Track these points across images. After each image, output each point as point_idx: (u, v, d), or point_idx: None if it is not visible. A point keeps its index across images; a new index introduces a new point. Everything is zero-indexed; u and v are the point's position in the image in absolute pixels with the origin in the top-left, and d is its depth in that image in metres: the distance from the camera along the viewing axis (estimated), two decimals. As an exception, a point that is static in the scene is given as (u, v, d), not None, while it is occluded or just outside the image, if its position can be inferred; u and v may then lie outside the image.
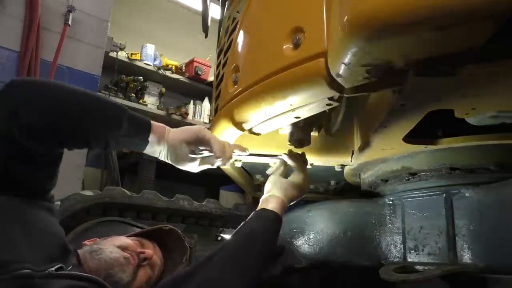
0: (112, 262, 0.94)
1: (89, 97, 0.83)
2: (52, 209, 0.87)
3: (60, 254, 0.81)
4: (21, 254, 0.72)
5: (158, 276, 1.08)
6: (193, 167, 0.98)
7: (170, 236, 1.21)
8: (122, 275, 0.95)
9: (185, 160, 0.95)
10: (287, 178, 1.09)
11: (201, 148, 0.96)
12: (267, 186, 1.08)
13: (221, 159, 0.96)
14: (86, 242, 1.04)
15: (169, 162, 0.95)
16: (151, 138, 0.90)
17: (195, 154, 0.96)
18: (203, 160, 0.97)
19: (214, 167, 1.01)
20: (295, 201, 1.09)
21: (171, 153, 0.93)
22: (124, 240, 1.05)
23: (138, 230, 1.28)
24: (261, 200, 1.06)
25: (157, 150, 0.93)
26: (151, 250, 1.07)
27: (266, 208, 1.00)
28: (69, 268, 0.80)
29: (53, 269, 0.74)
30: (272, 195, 1.04)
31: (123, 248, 1.00)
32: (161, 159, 0.95)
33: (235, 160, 1.35)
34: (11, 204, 0.76)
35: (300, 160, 1.13)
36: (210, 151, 0.96)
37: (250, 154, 1.09)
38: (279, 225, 0.99)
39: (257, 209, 1.02)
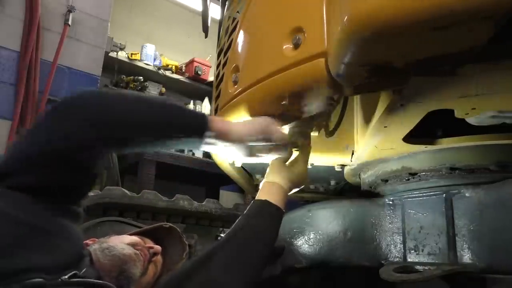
0: (125, 258, 0.95)
1: (150, 106, 0.85)
2: (77, 214, 0.85)
3: (75, 260, 0.80)
4: (35, 262, 0.71)
5: (159, 273, 1.09)
6: (264, 158, 0.99)
7: (168, 234, 1.21)
8: (135, 270, 0.96)
9: (254, 154, 0.96)
10: (288, 165, 1.05)
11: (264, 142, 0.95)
12: (269, 171, 1.03)
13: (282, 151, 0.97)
14: (87, 241, 1.04)
15: (239, 158, 0.97)
16: (209, 137, 0.89)
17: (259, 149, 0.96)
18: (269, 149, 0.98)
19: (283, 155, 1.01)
20: (295, 190, 1.06)
21: (242, 149, 0.94)
22: (131, 237, 1.06)
23: (138, 230, 1.29)
24: (262, 185, 1.01)
25: (220, 147, 0.92)
26: (158, 246, 1.08)
27: (269, 200, 0.95)
28: (83, 271, 0.79)
29: (66, 277, 0.73)
30: (275, 183, 0.99)
31: (132, 245, 1.01)
32: (229, 155, 0.96)
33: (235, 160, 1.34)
34: (30, 210, 0.75)
35: (307, 149, 1.10)
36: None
37: None
38: (281, 219, 0.97)
39: (260, 198, 0.97)
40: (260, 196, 0.98)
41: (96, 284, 0.80)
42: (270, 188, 0.99)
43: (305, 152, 1.08)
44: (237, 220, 0.94)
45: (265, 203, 0.95)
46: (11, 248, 0.69)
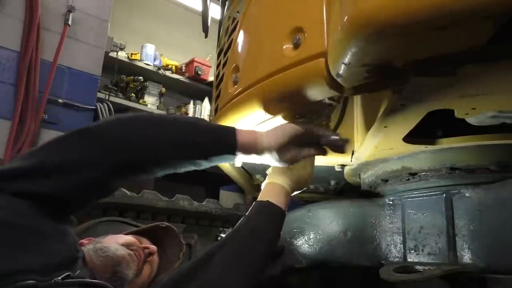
0: (118, 259, 0.95)
1: (176, 128, 0.84)
2: (69, 219, 0.85)
3: (69, 261, 0.79)
4: (27, 264, 0.70)
5: (155, 273, 1.09)
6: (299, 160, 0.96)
7: (165, 233, 1.21)
8: (128, 271, 0.95)
9: (294, 157, 0.93)
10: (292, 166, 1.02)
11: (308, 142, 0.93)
12: (272, 172, 1.02)
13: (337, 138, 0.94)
14: (83, 241, 1.04)
15: (278, 165, 0.94)
16: (239, 152, 0.88)
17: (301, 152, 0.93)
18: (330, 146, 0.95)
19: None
20: (296, 193, 1.04)
21: (273, 158, 0.92)
22: (126, 237, 1.05)
23: (134, 229, 1.28)
24: (264, 184, 1.00)
25: (252, 158, 0.91)
26: (154, 246, 1.08)
27: (271, 200, 0.94)
28: (77, 272, 0.79)
29: (60, 278, 0.72)
30: (277, 184, 0.98)
31: (127, 245, 1.00)
32: (265, 163, 0.94)
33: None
34: (20, 212, 0.74)
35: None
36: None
37: None
38: (283, 220, 0.95)
39: (261, 198, 0.96)
40: (262, 196, 0.97)
41: (90, 284, 0.79)
42: (272, 189, 0.97)
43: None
44: (241, 220, 0.93)
45: (266, 203, 0.94)
46: (1, 250, 0.69)
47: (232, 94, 1.07)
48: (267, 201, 0.94)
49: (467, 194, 0.98)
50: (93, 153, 0.76)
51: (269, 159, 0.92)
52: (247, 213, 0.94)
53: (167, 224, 1.22)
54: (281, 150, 0.91)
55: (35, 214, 0.74)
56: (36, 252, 0.72)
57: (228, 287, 0.82)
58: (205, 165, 0.87)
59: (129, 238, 1.05)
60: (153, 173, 0.86)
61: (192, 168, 0.86)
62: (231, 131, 0.88)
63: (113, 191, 0.83)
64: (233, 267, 0.84)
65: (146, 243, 1.09)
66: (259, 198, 0.97)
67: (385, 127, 0.94)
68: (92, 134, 0.79)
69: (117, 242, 1.00)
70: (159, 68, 3.77)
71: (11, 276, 0.67)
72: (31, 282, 0.68)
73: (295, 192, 1.03)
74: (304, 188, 1.06)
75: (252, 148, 0.89)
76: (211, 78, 3.86)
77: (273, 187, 0.98)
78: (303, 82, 0.83)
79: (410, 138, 1.01)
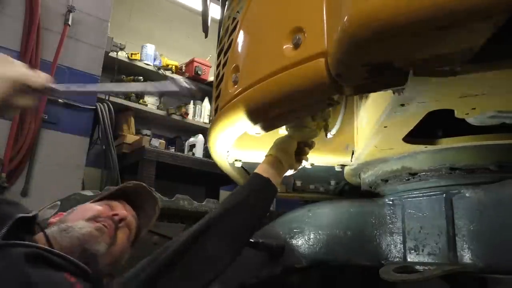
0: (84, 238, 0.92)
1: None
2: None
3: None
4: None
5: (135, 233, 1.08)
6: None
7: (136, 191, 1.17)
8: (98, 246, 0.93)
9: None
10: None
11: None
12: (273, 145, 1.12)
13: None
14: (51, 219, 1.01)
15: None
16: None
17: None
18: None
19: None
20: (295, 171, 1.13)
21: None
22: (93, 208, 1.01)
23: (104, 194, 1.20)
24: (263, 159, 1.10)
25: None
26: (124, 211, 1.05)
27: (260, 173, 1.04)
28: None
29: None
30: (268, 155, 1.09)
31: (94, 218, 0.97)
32: None
33: (235, 160, 1.35)
34: None
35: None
36: None
37: None
38: (272, 192, 1.04)
39: (254, 171, 1.05)
40: (256, 169, 1.06)
41: (30, 246, 0.80)
42: (263, 161, 1.08)
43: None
44: (238, 192, 1.01)
45: (256, 175, 1.04)
46: None
47: (232, 94, 1.06)
48: (256, 174, 1.05)
49: (467, 194, 0.98)
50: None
51: None
52: (248, 186, 1.03)
53: (134, 182, 1.18)
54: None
55: None
56: None
57: (221, 258, 0.92)
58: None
59: (97, 209, 1.01)
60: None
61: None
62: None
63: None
64: (226, 239, 0.94)
65: (117, 207, 1.05)
66: (261, 171, 1.06)
67: (385, 127, 0.94)
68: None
69: (83, 218, 0.96)
70: (159, 68, 3.77)
71: None
72: None
73: (290, 172, 1.12)
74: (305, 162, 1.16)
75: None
76: (211, 78, 3.86)
77: (268, 159, 1.08)
78: (303, 82, 0.83)
79: (410, 138, 1.01)
